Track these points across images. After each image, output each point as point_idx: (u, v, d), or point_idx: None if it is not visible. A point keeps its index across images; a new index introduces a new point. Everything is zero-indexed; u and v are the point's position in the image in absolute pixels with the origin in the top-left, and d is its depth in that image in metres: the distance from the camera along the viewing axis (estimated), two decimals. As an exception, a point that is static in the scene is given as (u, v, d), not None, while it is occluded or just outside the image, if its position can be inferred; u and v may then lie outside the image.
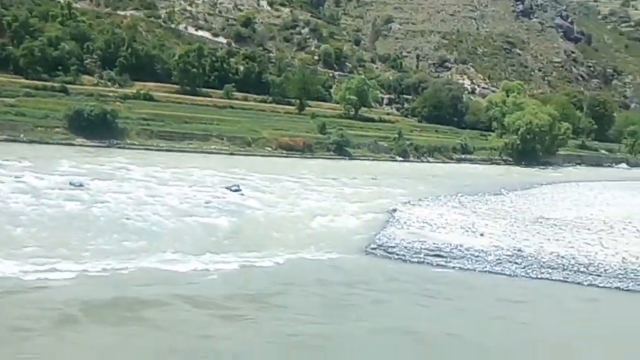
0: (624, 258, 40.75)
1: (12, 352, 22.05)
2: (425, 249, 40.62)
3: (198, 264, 33.60)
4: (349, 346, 25.35)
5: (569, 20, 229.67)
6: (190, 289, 29.64)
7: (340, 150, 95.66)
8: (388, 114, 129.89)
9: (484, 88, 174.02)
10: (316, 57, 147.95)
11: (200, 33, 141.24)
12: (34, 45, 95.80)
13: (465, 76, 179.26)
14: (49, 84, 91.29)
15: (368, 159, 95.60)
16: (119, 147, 76.51)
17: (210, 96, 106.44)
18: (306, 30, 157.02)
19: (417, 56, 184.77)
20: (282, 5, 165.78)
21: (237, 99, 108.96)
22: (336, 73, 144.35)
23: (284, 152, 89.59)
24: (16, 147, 67.09)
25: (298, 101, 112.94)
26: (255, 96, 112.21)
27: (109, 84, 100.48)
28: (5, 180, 48.01)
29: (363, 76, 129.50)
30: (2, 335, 23.30)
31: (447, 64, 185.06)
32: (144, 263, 32.85)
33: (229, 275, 32.46)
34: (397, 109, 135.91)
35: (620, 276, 37.15)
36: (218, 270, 33.04)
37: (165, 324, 25.44)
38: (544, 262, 39.05)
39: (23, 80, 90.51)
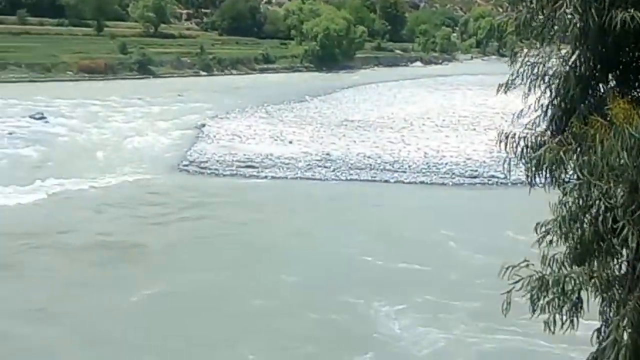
0: (425, 153, 43.38)
1: None
2: (237, 161, 41.44)
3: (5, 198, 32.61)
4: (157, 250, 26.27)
5: None
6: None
7: (144, 69, 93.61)
8: (188, 29, 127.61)
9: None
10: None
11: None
12: None
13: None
14: None
15: (172, 76, 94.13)
16: None
17: (3, 23, 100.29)
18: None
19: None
20: None
21: (32, 24, 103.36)
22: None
23: (86, 75, 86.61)
24: None
25: (95, 22, 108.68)
26: (50, 20, 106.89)
27: None
28: None
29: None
30: None
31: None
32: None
33: (37, 206, 31.79)
34: (197, 24, 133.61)
35: (424, 171, 39.53)
36: (27, 201, 32.30)
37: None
38: (352, 164, 40.81)
39: None
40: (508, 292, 7.74)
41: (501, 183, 35.92)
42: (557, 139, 8.30)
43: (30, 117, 53.11)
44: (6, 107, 57.67)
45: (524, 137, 8.51)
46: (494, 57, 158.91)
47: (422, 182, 37.65)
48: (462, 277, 23.52)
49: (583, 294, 8.05)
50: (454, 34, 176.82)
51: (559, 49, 8.57)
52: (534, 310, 7.80)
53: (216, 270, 24.29)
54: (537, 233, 8.38)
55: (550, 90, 8.59)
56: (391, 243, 27.29)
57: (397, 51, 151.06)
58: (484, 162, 40.15)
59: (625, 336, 7.64)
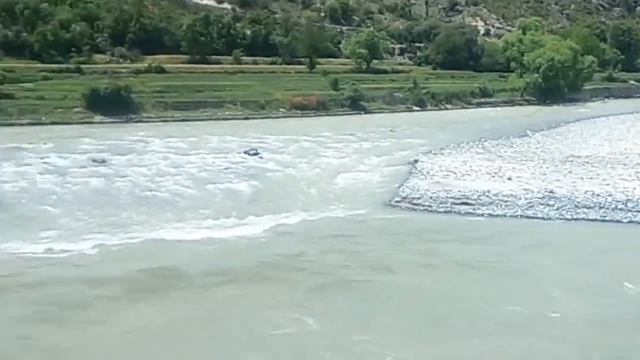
0: (664, 191, 39.26)
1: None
2: (451, 197, 39.54)
3: (220, 231, 33.92)
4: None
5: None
6: (215, 257, 29.84)
7: (355, 105, 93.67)
8: (401, 64, 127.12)
9: (498, 28, 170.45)
10: (322, 14, 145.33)
11: (205, 1, 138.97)
12: (46, 29, 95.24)
13: (477, 18, 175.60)
14: (64, 65, 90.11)
15: (384, 112, 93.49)
16: (135, 121, 75.47)
17: (220, 63, 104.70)
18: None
19: (426, 2, 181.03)
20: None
21: (247, 63, 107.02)
22: (344, 28, 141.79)
23: (299, 112, 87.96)
24: (39, 130, 65.44)
25: (308, 60, 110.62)
26: (264, 59, 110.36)
27: (121, 60, 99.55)
28: (31, 162, 46.74)
29: (372, 28, 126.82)
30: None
31: (457, 7, 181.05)
32: (168, 234, 33.45)
33: (256, 240, 32.72)
34: (410, 58, 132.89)
35: (661, 210, 35.76)
36: (244, 235, 33.32)
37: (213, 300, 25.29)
38: (578, 202, 37.71)
39: (39, 65, 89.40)
40: None
41: None
42: None
43: (245, 152, 53.91)
44: (222, 143, 59.03)
45: None
46: None
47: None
48: None
49: None
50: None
51: None
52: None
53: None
54: None
55: None
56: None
57: (631, 81, 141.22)
58: None
59: None
